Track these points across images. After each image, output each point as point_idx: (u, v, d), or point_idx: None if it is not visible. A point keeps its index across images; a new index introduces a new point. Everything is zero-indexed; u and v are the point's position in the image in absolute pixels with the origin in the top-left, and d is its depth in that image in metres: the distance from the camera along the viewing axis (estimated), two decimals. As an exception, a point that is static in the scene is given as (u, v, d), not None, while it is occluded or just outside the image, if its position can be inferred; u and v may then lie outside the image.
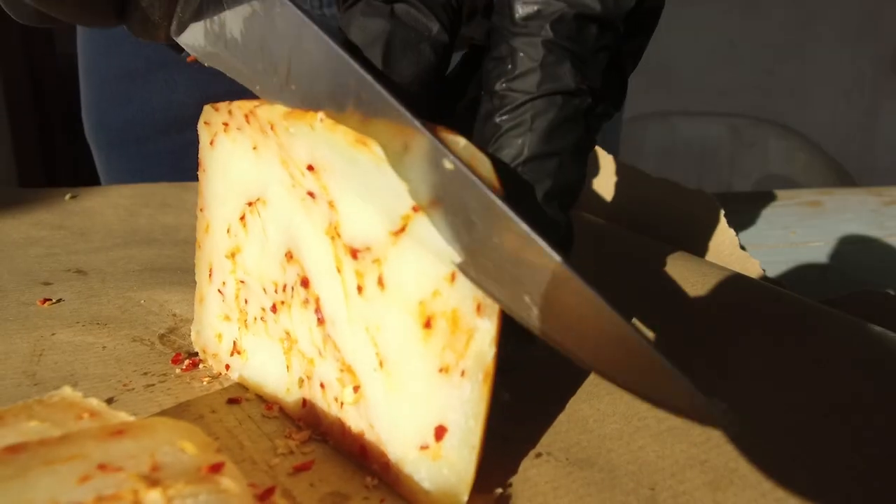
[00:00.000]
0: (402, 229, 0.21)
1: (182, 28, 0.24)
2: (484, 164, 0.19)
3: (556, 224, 0.24)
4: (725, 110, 1.65)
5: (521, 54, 0.23)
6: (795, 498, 0.22)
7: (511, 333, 0.21)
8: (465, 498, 0.21)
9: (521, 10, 0.23)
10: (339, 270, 0.23)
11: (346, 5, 0.24)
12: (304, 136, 0.23)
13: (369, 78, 0.20)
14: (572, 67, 0.23)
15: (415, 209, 0.20)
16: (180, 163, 0.61)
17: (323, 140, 0.22)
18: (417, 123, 0.19)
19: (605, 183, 0.55)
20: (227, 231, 0.28)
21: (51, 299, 0.35)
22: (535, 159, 0.23)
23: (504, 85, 0.23)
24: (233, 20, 0.23)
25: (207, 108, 0.27)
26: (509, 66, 0.23)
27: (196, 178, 0.30)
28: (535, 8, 0.23)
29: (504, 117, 0.23)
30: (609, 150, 0.55)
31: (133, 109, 0.61)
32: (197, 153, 0.29)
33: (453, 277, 0.20)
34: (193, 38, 0.24)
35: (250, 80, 0.23)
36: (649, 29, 0.26)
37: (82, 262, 0.41)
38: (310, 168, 0.23)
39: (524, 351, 0.24)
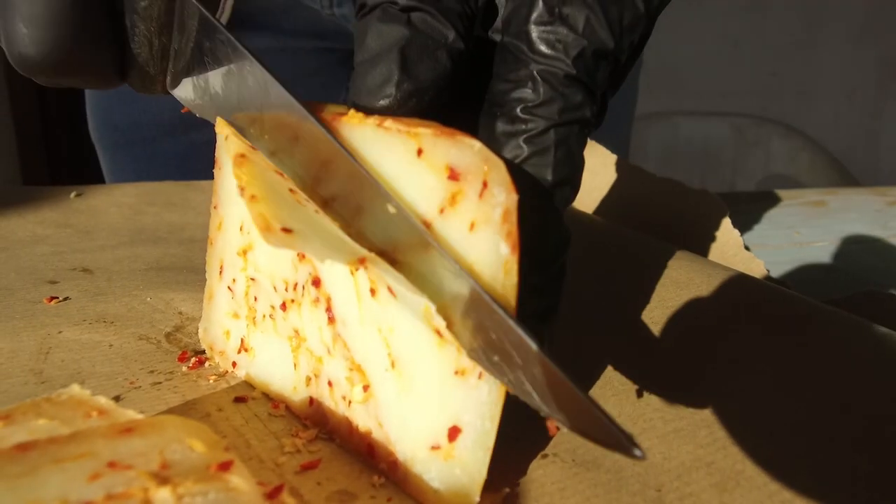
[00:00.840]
0: None
1: (175, 82, 0.26)
2: (499, 168, 0.20)
3: (568, 239, 0.24)
4: (729, 110, 1.65)
5: (544, 83, 0.23)
6: (801, 499, 0.22)
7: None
8: (477, 498, 0.21)
9: (542, 39, 0.23)
10: (352, 273, 0.23)
11: (361, 13, 0.24)
12: None
13: (320, 127, 0.22)
14: (589, 99, 0.24)
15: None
16: (185, 164, 0.61)
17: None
18: (375, 181, 0.21)
19: (609, 183, 0.55)
20: (241, 228, 0.28)
21: (57, 297, 0.35)
22: (556, 185, 0.23)
23: (526, 110, 0.23)
24: (214, 77, 0.25)
25: None
26: (531, 93, 0.23)
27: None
28: (556, 39, 0.23)
29: (528, 141, 0.23)
30: (618, 150, 0.55)
31: (139, 110, 0.61)
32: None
33: None
34: (185, 91, 0.26)
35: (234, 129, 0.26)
36: (634, 62, 0.27)
37: (88, 260, 0.41)
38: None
39: None
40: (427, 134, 0.21)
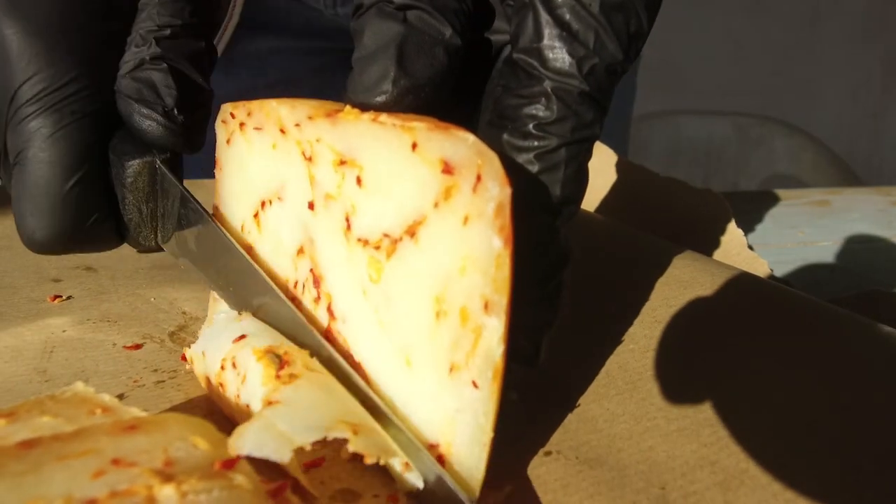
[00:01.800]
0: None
1: (165, 239, 0.30)
2: (493, 162, 0.19)
3: (569, 256, 0.24)
4: (732, 109, 1.65)
5: (558, 101, 0.23)
6: (805, 499, 0.22)
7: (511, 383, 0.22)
8: (476, 495, 0.21)
9: (556, 58, 0.23)
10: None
11: (358, 12, 0.24)
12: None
13: (277, 290, 0.26)
14: (599, 116, 0.24)
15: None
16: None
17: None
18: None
19: (612, 182, 0.55)
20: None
21: (61, 296, 0.35)
22: (563, 202, 0.23)
23: (540, 126, 0.23)
24: (189, 238, 0.29)
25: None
26: (544, 110, 0.23)
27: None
28: (569, 58, 0.23)
29: (540, 158, 0.23)
30: (617, 148, 0.55)
31: None
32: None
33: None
34: (172, 247, 0.30)
35: (210, 284, 0.29)
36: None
37: (91, 259, 0.41)
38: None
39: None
40: (421, 128, 0.21)
